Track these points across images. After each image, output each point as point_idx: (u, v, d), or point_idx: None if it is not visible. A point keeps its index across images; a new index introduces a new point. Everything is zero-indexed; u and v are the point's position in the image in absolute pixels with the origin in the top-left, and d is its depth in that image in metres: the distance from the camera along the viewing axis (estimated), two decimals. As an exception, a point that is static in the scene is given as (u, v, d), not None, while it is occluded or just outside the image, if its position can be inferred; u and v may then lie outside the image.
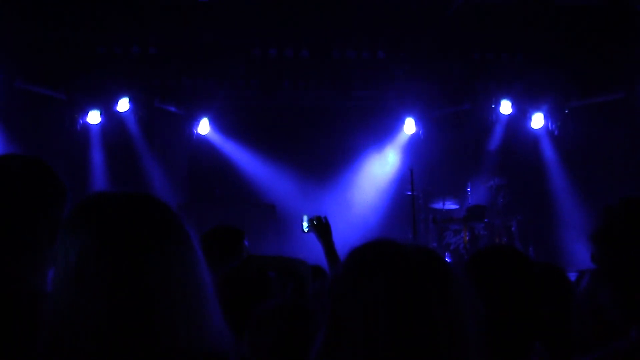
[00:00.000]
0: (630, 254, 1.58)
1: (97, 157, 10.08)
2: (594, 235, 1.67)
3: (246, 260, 3.08)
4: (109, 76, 9.65)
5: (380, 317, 1.22)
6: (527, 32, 9.02)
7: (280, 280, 3.27)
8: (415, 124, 10.80)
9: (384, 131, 11.02)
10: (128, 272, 1.26)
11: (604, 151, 10.02)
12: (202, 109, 10.59)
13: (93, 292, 1.24)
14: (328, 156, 10.96)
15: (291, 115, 10.97)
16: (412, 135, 10.94)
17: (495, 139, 10.82)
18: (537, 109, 10.45)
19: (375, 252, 1.32)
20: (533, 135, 10.73)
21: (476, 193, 10.02)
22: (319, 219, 3.69)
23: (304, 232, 3.86)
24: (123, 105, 9.85)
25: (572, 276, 2.79)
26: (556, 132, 10.54)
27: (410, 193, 8.93)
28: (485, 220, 9.21)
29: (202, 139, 10.79)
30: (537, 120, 10.47)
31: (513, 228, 9.30)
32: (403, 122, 10.82)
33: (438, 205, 9.90)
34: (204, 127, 10.62)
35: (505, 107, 10.34)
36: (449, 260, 3.93)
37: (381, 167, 11.10)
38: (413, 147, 11.02)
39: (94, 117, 9.82)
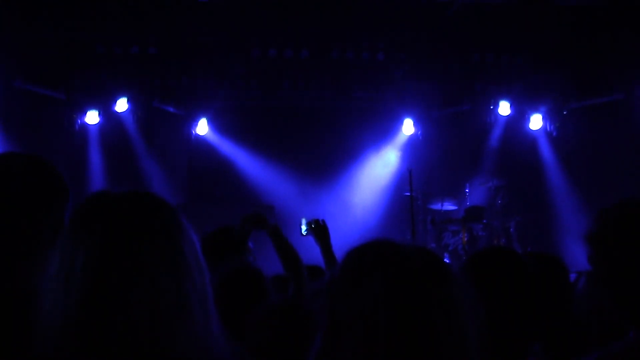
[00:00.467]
0: (625, 256, 1.58)
1: (95, 157, 10.08)
2: (589, 237, 1.67)
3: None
4: (107, 76, 9.66)
5: (379, 318, 1.22)
6: (526, 33, 9.03)
7: (278, 280, 3.28)
8: (414, 124, 10.81)
9: (383, 132, 11.02)
10: (136, 277, 1.25)
11: (602, 152, 10.02)
12: (201, 109, 10.60)
13: (97, 297, 1.23)
14: (327, 157, 10.96)
15: (290, 116, 10.97)
16: (411, 135, 10.95)
17: (494, 140, 10.82)
18: (536, 110, 10.46)
19: (374, 252, 1.32)
20: (532, 137, 10.74)
21: (475, 194, 10.02)
22: (316, 221, 3.72)
23: (303, 235, 3.88)
24: (122, 105, 9.84)
25: (571, 277, 2.79)
26: (555, 133, 10.55)
27: (408, 194, 8.93)
28: (484, 221, 9.21)
29: (201, 140, 10.79)
30: (536, 122, 10.49)
31: (511, 229, 9.30)
32: (402, 122, 10.83)
33: (437, 206, 9.90)
34: (202, 127, 10.62)
35: (504, 108, 10.34)
36: (447, 261, 3.93)
37: (380, 168, 11.10)
38: (412, 148, 11.03)
39: (92, 117, 9.82)
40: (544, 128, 10.59)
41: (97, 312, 1.23)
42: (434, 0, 8.49)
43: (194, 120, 10.64)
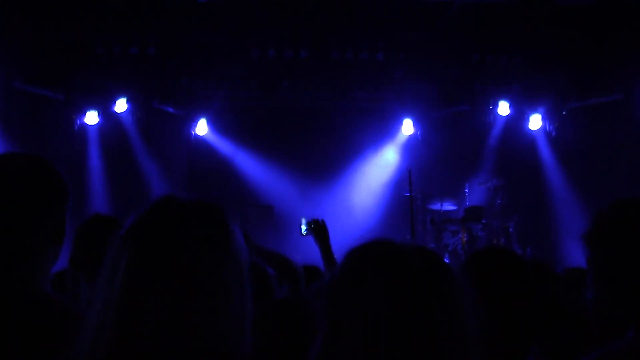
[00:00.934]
0: (621, 255, 1.58)
1: (95, 157, 10.07)
2: (585, 237, 1.68)
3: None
4: (107, 76, 9.65)
5: (380, 318, 1.22)
6: (526, 33, 9.03)
7: (276, 279, 3.28)
8: (413, 124, 10.82)
9: (383, 132, 11.03)
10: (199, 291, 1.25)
11: (601, 152, 10.02)
12: (201, 109, 10.60)
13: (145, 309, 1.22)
14: (326, 157, 10.96)
15: (290, 116, 10.97)
16: (411, 136, 10.95)
17: (493, 140, 10.82)
18: (535, 110, 10.47)
19: (375, 252, 1.32)
20: (531, 137, 10.74)
21: (474, 194, 10.02)
22: (316, 221, 3.72)
23: (303, 235, 3.88)
24: (121, 105, 9.84)
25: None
26: (554, 134, 10.56)
27: (408, 194, 8.93)
28: (483, 221, 9.21)
29: (201, 140, 10.79)
30: (535, 122, 10.49)
31: (511, 229, 9.30)
32: (401, 122, 10.83)
33: (436, 206, 9.90)
34: (202, 127, 10.62)
35: (503, 108, 10.35)
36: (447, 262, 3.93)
37: (379, 168, 11.11)
38: (411, 148, 11.02)
39: (91, 117, 9.81)
40: (543, 128, 10.59)
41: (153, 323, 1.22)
42: (434, 1, 8.49)
43: (193, 121, 10.65)
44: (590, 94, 10.12)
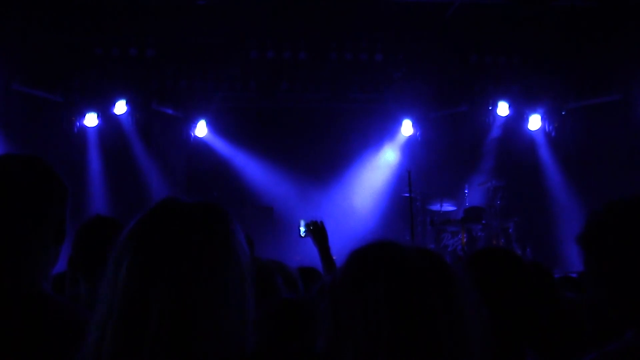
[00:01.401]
0: (614, 257, 1.58)
1: (94, 159, 10.06)
2: (579, 239, 1.68)
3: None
4: (106, 78, 9.65)
5: (382, 320, 1.21)
6: (524, 34, 9.05)
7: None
8: (412, 125, 10.82)
9: (382, 133, 11.03)
10: (203, 292, 1.25)
11: (601, 152, 10.03)
12: (200, 111, 10.59)
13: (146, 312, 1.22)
14: (326, 158, 10.97)
15: (289, 117, 10.97)
16: (410, 136, 10.95)
17: (493, 141, 10.82)
18: (534, 111, 10.47)
19: (377, 253, 1.31)
20: (530, 137, 10.75)
21: (473, 195, 10.02)
22: (315, 223, 3.72)
23: (302, 237, 3.88)
24: (120, 107, 9.84)
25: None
26: (553, 134, 10.56)
27: (407, 195, 8.94)
28: (483, 221, 9.22)
29: (200, 141, 10.79)
30: (535, 122, 10.49)
31: (510, 229, 9.31)
32: (400, 123, 10.83)
33: (435, 207, 9.90)
34: (201, 129, 10.62)
35: (503, 108, 10.35)
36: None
37: (379, 169, 11.11)
38: (411, 149, 11.03)
39: (91, 119, 9.81)
40: (542, 128, 10.59)
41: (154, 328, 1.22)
42: (432, 2, 8.50)
43: (192, 122, 10.64)
44: (589, 94, 10.13)
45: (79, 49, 9.14)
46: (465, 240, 9.03)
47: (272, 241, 9.46)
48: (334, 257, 3.63)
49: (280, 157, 10.83)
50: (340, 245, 3.73)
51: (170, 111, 10.57)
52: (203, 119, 10.58)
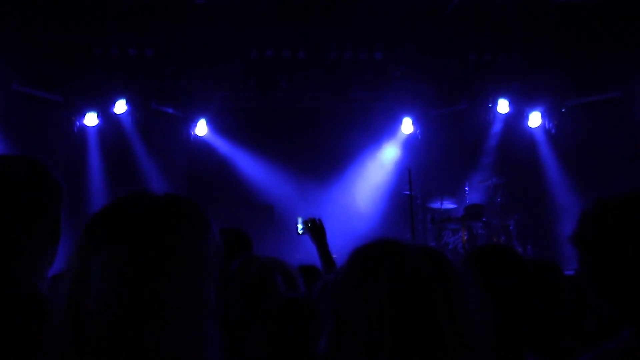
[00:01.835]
0: (606, 255, 1.58)
1: (94, 159, 10.06)
2: (572, 239, 1.67)
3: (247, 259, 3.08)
4: (106, 78, 9.65)
5: (384, 318, 1.21)
6: (524, 31, 9.03)
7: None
8: (413, 123, 10.82)
9: (382, 131, 11.03)
10: (166, 284, 1.23)
11: (601, 150, 10.02)
12: (200, 110, 10.60)
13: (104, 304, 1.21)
14: (326, 157, 10.96)
15: (289, 117, 10.97)
16: (410, 135, 10.96)
17: (493, 138, 10.82)
18: (535, 108, 10.46)
19: (379, 252, 1.31)
20: (530, 134, 10.74)
21: (474, 192, 10.03)
22: (313, 220, 3.70)
23: (299, 234, 3.87)
24: (120, 107, 9.84)
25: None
26: (553, 131, 10.55)
27: (408, 193, 8.94)
28: (483, 219, 9.21)
29: (200, 141, 10.79)
30: (535, 119, 10.49)
31: (511, 227, 9.31)
32: (401, 122, 10.83)
33: (436, 205, 9.90)
34: (201, 128, 10.62)
35: (503, 106, 10.34)
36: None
37: (379, 167, 11.11)
38: (411, 147, 11.03)
39: (91, 119, 9.81)
40: (542, 126, 10.59)
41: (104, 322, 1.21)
42: (431, 0, 8.49)
43: (192, 122, 10.65)
44: (589, 92, 10.12)
45: (78, 49, 9.12)
46: (465, 237, 9.03)
47: (273, 240, 9.46)
48: (335, 256, 3.62)
49: (281, 156, 10.84)
50: (340, 243, 3.73)
51: (170, 110, 10.57)
52: (203, 118, 10.59)
